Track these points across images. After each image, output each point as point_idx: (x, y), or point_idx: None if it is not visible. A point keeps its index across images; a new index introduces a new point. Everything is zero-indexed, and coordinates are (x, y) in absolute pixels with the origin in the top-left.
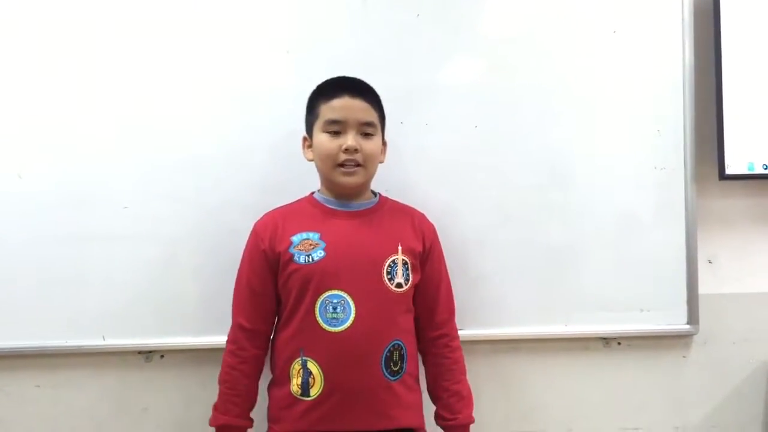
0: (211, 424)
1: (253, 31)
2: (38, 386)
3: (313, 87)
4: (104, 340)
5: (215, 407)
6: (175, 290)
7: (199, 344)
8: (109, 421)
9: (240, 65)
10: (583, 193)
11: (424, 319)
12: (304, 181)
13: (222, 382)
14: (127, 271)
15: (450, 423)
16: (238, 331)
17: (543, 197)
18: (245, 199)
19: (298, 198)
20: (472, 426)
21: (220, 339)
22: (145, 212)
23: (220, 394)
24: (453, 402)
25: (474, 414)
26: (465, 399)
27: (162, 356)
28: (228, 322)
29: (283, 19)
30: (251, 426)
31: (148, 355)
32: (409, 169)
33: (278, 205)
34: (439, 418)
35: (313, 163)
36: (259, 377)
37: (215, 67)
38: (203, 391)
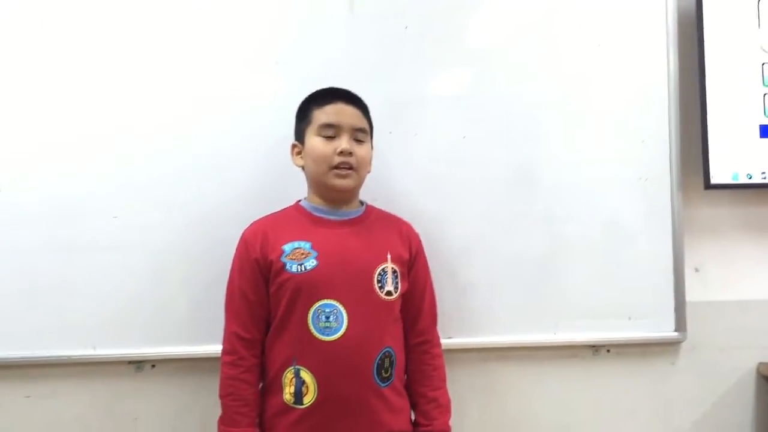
0: None
1: (242, 43)
2: (28, 397)
3: (302, 97)
4: (95, 349)
5: (221, 422)
6: (164, 300)
7: (189, 353)
8: None
9: (229, 76)
10: (570, 202)
11: (407, 325)
12: (292, 189)
13: (224, 395)
14: (117, 281)
15: (425, 429)
16: (235, 340)
17: (530, 207)
18: (232, 209)
19: (284, 207)
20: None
21: (210, 348)
22: (134, 222)
23: (225, 408)
24: (430, 409)
25: (464, 422)
26: (442, 407)
27: (153, 366)
28: (217, 331)
29: (272, 31)
30: None
31: (139, 364)
32: (398, 178)
33: (265, 214)
34: (415, 424)
35: (300, 173)
36: (260, 385)
37: (204, 78)
38: (194, 401)
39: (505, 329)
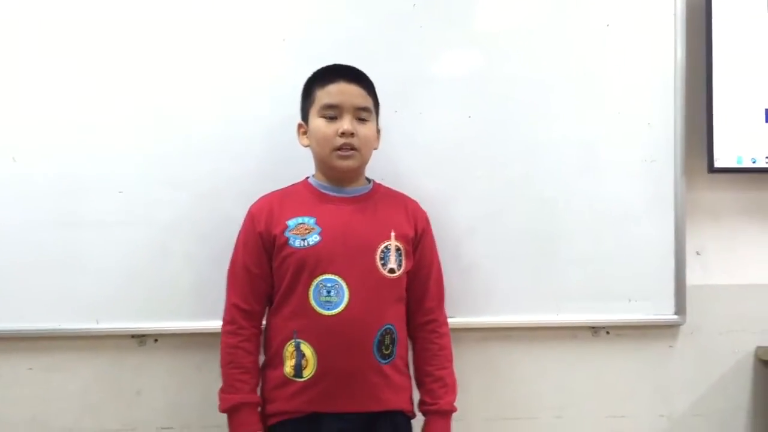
0: (221, 409)
1: (250, 20)
2: (31, 369)
3: (309, 75)
4: (98, 323)
5: (222, 391)
6: (168, 275)
7: (192, 328)
8: (102, 404)
9: (236, 53)
10: (574, 183)
11: (414, 304)
12: (300, 168)
13: (225, 364)
14: (122, 256)
15: (430, 408)
16: (234, 311)
17: (534, 187)
18: (240, 186)
19: (293, 183)
20: (463, 410)
21: (213, 323)
22: (139, 198)
23: (225, 377)
24: (436, 388)
25: (465, 401)
26: (448, 386)
27: (155, 340)
28: (221, 307)
29: (279, 8)
30: (261, 403)
31: (141, 338)
32: (403, 157)
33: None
34: (421, 403)
35: (308, 150)
36: (259, 356)
37: (212, 55)
38: (196, 375)
39: (507, 310)
